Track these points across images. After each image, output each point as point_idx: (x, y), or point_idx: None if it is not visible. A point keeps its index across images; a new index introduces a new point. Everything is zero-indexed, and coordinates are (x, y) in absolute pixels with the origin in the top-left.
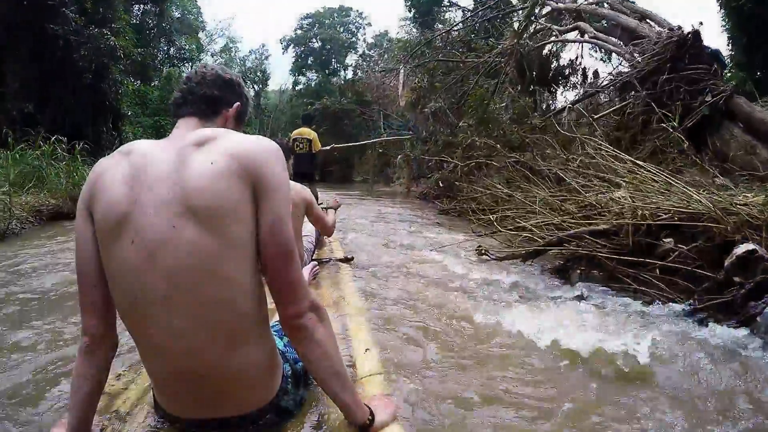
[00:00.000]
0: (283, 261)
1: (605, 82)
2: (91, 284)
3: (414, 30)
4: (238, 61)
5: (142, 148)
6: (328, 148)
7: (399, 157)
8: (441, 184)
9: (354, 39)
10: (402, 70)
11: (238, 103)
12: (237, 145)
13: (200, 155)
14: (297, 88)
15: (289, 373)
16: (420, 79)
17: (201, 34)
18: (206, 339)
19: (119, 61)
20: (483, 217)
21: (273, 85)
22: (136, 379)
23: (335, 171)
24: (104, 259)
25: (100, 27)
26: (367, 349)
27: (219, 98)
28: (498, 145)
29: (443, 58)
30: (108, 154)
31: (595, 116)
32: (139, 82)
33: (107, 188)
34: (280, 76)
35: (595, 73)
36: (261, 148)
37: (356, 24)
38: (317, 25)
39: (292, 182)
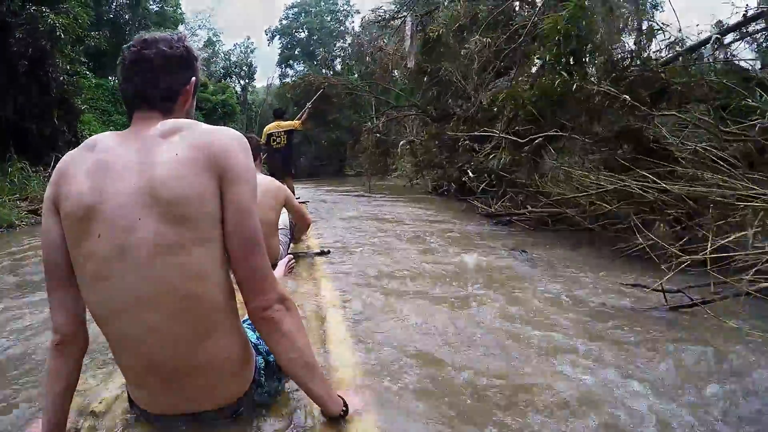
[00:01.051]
0: (249, 251)
1: None
2: (60, 281)
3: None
4: (223, 55)
5: (107, 141)
6: (305, 111)
7: (401, 143)
8: (473, 174)
9: (342, 28)
10: (410, 20)
11: (193, 78)
12: (202, 136)
13: (165, 147)
14: (284, 80)
15: (263, 365)
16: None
17: (180, 27)
18: (177, 331)
19: (59, 43)
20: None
21: (260, 78)
22: (110, 376)
23: (327, 166)
24: (72, 254)
25: (41, 5)
26: (342, 341)
27: (175, 85)
28: (627, 97)
29: None
30: (57, 156)
31: None
32: (114, 78)
33: (72, 182)
34: (268, 68)
35: (650, 31)
36: (225, 138)
37: (344, 12)
38: (303, 14)
39: (267, 176)
